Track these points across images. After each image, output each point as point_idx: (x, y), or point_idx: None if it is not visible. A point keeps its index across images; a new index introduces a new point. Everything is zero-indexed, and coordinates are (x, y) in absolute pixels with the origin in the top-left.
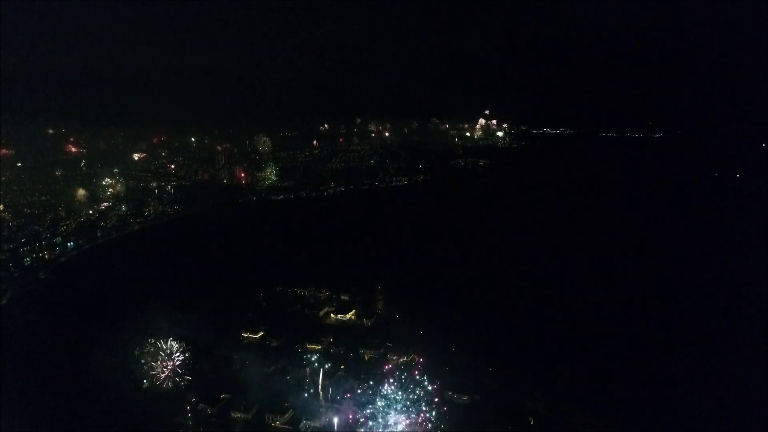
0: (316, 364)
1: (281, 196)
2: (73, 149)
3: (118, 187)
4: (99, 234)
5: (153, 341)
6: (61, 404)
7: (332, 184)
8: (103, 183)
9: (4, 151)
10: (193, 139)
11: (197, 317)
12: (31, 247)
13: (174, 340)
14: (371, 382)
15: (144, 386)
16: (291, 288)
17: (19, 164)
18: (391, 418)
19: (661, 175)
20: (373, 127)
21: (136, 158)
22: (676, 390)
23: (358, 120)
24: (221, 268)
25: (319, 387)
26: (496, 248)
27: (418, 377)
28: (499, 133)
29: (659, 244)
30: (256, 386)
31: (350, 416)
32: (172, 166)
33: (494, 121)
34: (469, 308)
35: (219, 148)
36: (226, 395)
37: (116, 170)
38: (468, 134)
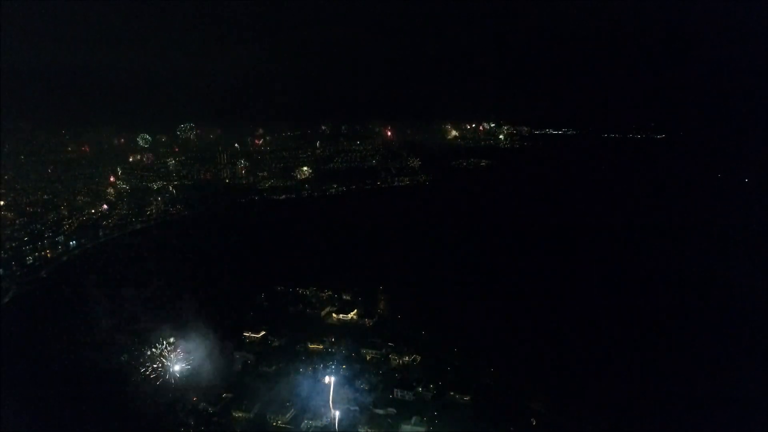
0: (318, 364)
1: (283, 196)
2: (76, 148)
3: (121, 187)
4: (101, 233)
5: (154, 340)
6: (61, 404)
7: (334, 184)
8: (106, 182)
9: (6, 150)
10: (195, 139)
11: (199, 316)
12: (33, 246)
13: (175, 339)
14: (373, 382)
15: (145, 385)
16: (293, 288)
17: (22, 162)
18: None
19: (664, 176)
20: (375, 128)
21: (138, 157)
22: (678, 390)
23: (360, 120)
24: (223, 268)
25: (321, 387)
26: (498, 248)
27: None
28: (501, 135)
29: (661, 245)
30: (257, 386)
31: (351, 416)
32: (173, 161)
33: (494, 123)
34: (471, 308)
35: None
36: (228, 394)
37: (119, 169)
38: (470, 135)
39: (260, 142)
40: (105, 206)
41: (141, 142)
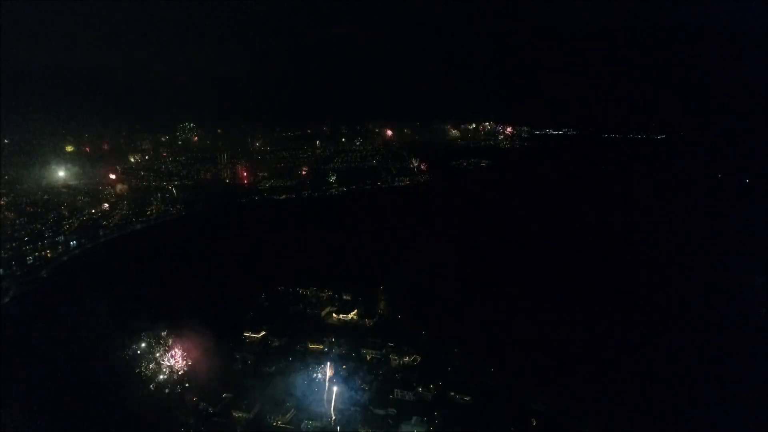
0: (318, 364)
1: (283, 196)
2: (76, 148)
3: (121, 187)
4: (101, 233)
5: (154, 340)
6: (61, 404)
7: (334, 184)
8: (106, 182)
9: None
10: (195, 138)
11: (199, 317)
12: (33, 246)
13: (176, 339)
14: (372, 382)
15: (145, 385)
16: (293, 288)
17: (22, 162)
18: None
19: (664, 177)
20: (375, 128)
21: (139, 158)
22: (679, 391)
23: (360, 120)
24: (223, 268)
25: (321, 387)
26: (498, 248)
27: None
28: (501, 135)
29: (662, 246)
30: (257, 386)
31: (351, 416)
32: (173, 161)
33: (493, 123)
34: (471, 308)
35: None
36: (228, 395)
37: (119, 169)
38: (470, 135)
39: (260, 142)
40: (106, 205)
41: (141, 143)
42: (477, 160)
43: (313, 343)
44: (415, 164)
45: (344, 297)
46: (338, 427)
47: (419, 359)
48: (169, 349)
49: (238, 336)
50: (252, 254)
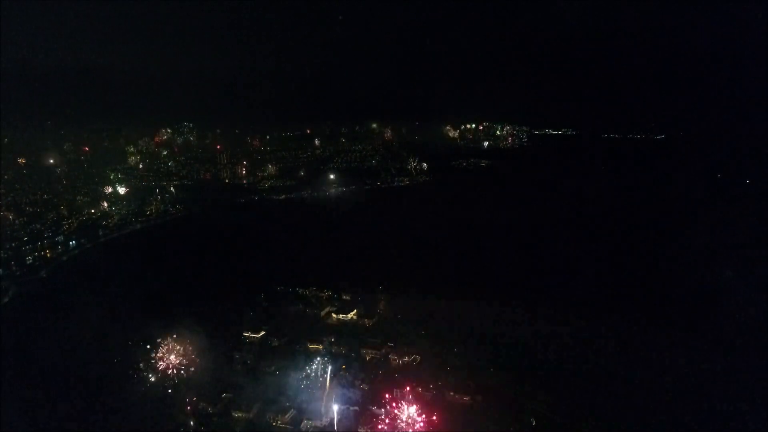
0: (318, 364)
1: (283, 196)
2: (76, 148)
3: (120, 186)
4: (101, 233)
5: (154, 340)
6: (61, 404)
7: (334, 184)
8: (106, 182)
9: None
10: (195, 139)
11: (199, 316)
12: (32, 246)
13: (176, 339)
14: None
15: (145, 385)
16: (292, 288)
17: (22, 162)
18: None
19: (664, 177)
20: (375, 128)
21: (139, 158)
22: (677, 390)
23: (360, 120)
24: (223, 268)
25: (320, 387)
26: (497, 248)
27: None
28: (501, 135)
29: (662, 245)
30: (257, 385)
31: (351, 416)
32: (173, 161)
33: (493, 123)
34: (471, 308)
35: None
36: (228, 394)
37: (119, 169)
38: (470, 135)
39: (260, 142)
40: (105, 205)
41: (141, 143)
42: (477, 160)
43: (312, 343)
44: (415, 164)
45: (344, 297)
46: (338, 427)
47: (419, 359)
48: (168, 348)
49: (237, 336)
50: (251, 254)
